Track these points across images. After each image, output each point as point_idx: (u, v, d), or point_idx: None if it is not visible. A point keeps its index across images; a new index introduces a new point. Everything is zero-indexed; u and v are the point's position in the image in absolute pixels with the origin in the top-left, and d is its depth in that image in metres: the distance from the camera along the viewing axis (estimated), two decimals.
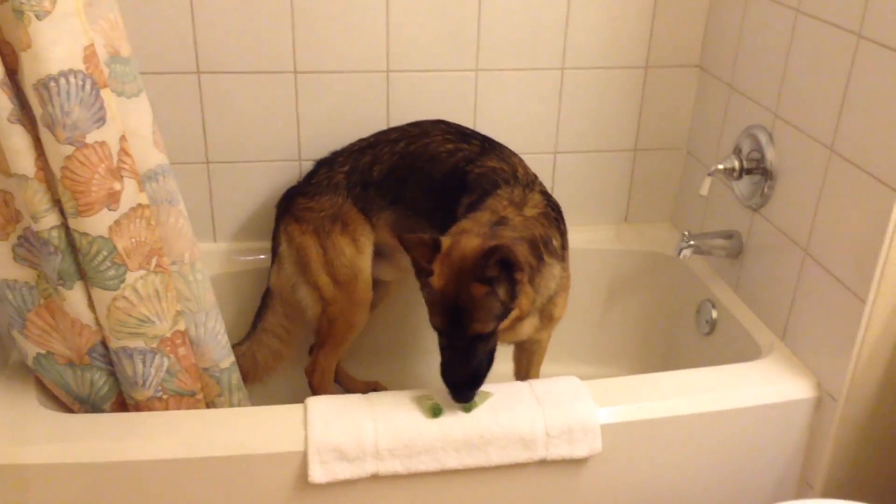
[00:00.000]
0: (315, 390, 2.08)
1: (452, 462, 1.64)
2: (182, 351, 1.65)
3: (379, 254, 2.04)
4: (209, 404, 1.75)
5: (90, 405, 1.66)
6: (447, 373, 1.60)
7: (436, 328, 1.59)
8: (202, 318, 1.66)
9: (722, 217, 2.18)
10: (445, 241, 1.55)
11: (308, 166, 2.16)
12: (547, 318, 1.79)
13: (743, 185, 2.05)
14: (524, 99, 2.25)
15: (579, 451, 1.68)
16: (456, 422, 1.65)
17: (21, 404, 1.63)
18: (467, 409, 1.67)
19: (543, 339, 1.92)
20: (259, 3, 2.02)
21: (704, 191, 2.04)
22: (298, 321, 2.09)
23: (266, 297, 2.11)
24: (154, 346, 1.60)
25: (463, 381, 1.61)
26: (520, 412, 1.67)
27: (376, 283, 2.09)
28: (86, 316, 1.55)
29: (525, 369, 1.99)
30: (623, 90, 2.29)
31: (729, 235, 2.13)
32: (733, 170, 2.01)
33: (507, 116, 2.25)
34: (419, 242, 1.54)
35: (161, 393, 1.65)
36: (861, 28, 1.62)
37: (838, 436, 1.76)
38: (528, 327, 1.76)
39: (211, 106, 2.10)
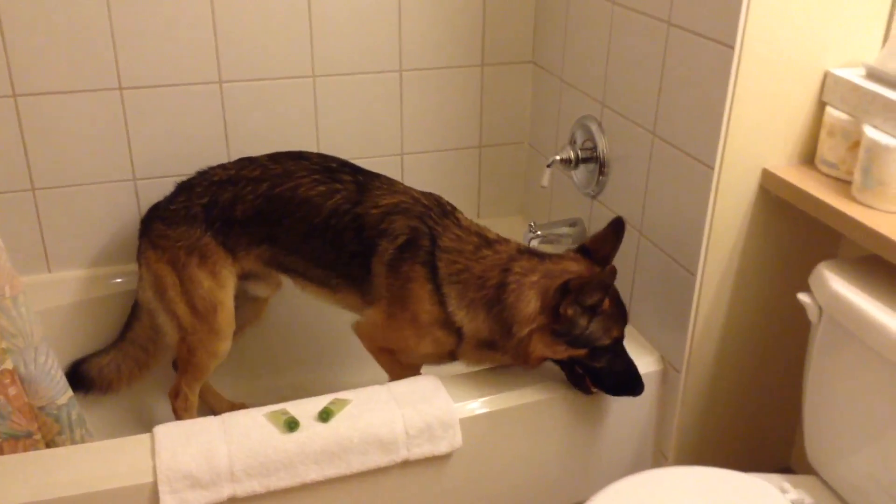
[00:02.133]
0: (179, 415, 2.01)
1: (313, 475, 1.61)
2: (12, 391, 1.54)
3: (249, 276, 1.99)
4: (49, 444, 1.64)
5: None
6: (633, 368, 1.73)
7: (618, 338, 1.71)
8: (31, 354, 1.56)
9: (566, 206, 2.25)
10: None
11: (144, 185, 2.09)
12: None
13: (580, 174, 2.12)
14: (365, 103, 2.24)
15: (441, 448, 1.69)
16: (314, 434, 1.62)
17: None
18: (325, 419, 1.64)
19: None
20: (76, 20, 1.92)
21: (545, 182, 2.10)
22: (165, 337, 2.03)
23: (135, 308, 2.06)
24: None
25: (636, 373, 1.74)
26: (378, 415, 1.66)
27: (251, 300, 2.08)
28: None
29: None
30: (462, 88, 2.32)
31: (573, 223, 2.19)
32: (570, 160, 2.08)
33: (350, 121, 2.24)
34: (556, 293, 1.64)
35: None
36: (670, 15, 1.71)
37: (684, 405, 1.85)
38: None
39: (31, 130, 1.98)
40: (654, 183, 1.83)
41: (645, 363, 1.87)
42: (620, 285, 2.00)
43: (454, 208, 1.85)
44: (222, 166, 1.95)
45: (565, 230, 2.19)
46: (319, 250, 1.86)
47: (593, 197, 2.10)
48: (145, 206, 2.12)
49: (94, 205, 2.11)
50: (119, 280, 2.16)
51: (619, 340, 1.72)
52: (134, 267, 2.02)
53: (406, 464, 1.68)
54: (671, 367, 1.86)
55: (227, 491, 1.56)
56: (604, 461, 1.91)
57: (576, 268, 1.70)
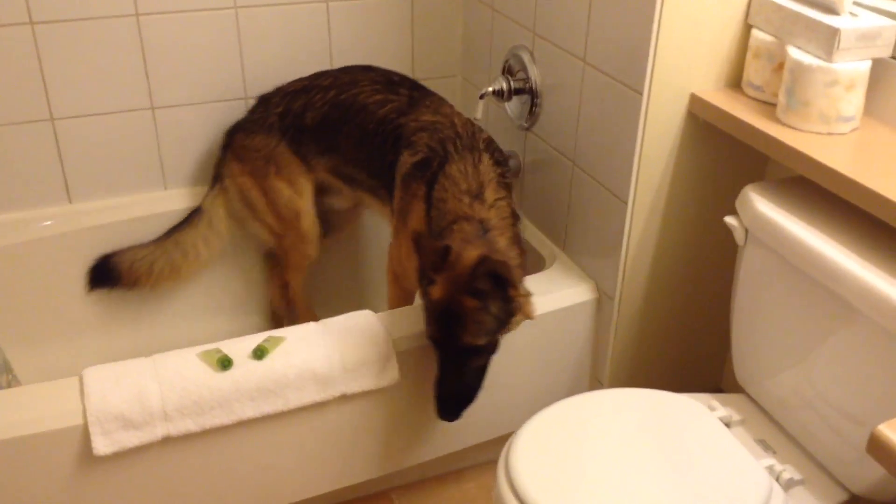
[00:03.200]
0: (287, 302, 2.22)
1: (249, 412, 1.60)
2: None
3: (327, 189, 2.08)
4: None
5: None
6: (438, 386, 1.57)
7: (429, 337, 1.55)
8: None
9: (501, 139, 2.22)
10: (452, 252, 1.50)
11: (162, 114, 2.12)
12: None
13: (513, 106, 2.10)
14: (291, 34, 2.17)
15: (378, 382, 1.69)
16: (248, 371, 1.60)
17: None
18: (259, 357, 1.63)
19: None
20: None
21: (478, 114, 2.08)
22: (214, 249, 2.12)
23: (193, 215, 2.11)
24: None
25: (453, 397, 1.57)
26: (314, 351, 1.66)
27: (332, 212, 2.18)
28: None
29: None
30: (393, 20, 2.27)
31: (508, 156, 2.18)
32: (503, 91, 2.06)
33: (276, 53, 2.17)
34: (432, 250, 1.50)
35: None
36: None
37: (618, 332, 1.88)
38: None
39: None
40: (586, 112, 1.83)
41: (579, 292, 1.90)
42: (556, 215, 2.03)
43: (489, 150, 1.77)
44: (298, 79, 2.05)
45: None
46: (368, 158, 1.93)
47: (527, 129, 2.09)
48: (163, 135, 2.13)
49: (112, 134, 2.08)
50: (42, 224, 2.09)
51: (434, 342, 1.56)
52: (148, 195, 2.17)
53: (344, 398, 1.68)
54: (605, 295, 1.88)
55: (160, 430, 1.54)
56: (540, 390, 1.93)
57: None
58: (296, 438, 1.69)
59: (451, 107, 1.91)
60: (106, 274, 2.08)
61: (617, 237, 1.79)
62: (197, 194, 2.20)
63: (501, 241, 1.60)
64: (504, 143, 2.20)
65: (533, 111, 2.03)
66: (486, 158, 1.74)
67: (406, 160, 1.81)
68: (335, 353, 1.66)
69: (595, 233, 1.89)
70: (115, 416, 1.50)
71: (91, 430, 1.49)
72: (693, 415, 1.52)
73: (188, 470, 1.62)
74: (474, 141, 1.77)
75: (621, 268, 1.81)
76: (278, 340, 1.67)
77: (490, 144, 1.79)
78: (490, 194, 1.67)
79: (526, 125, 2.08)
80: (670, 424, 1.50)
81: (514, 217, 1.70)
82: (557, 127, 1.96)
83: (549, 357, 1.93)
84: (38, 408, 1.51)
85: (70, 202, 2.14)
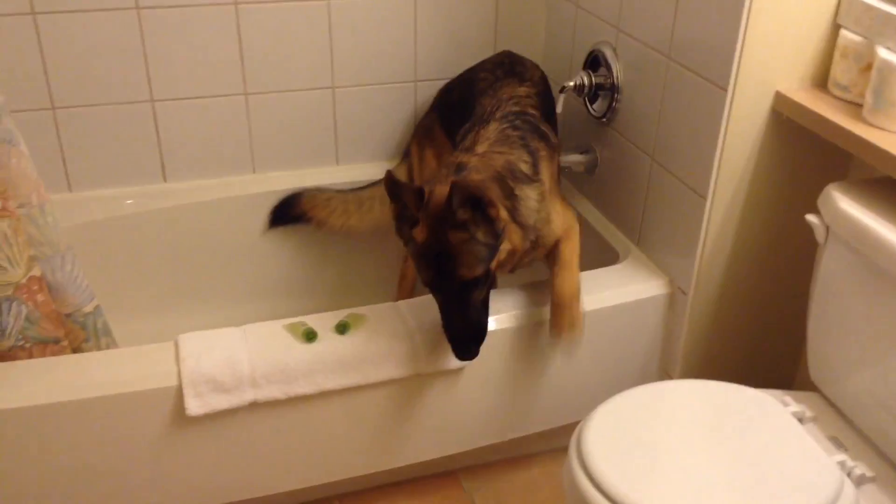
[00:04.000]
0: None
1: (330, 383, 1.68)
2: (40, 297, 1.60)
3: None
4: (75, 351, 1.71)
5: None
6: (448, 328, 1.56)
7: (425, 283, 1.56)
8: (58, 262, 1.61)
9: (578, 134, 2.27)
10: (425, 192, 1.52)
11: (160, 107, 2.13)
12: (545, 233, 1.73)
13: (594, 101, 2.13)
14: (378, 29, 2.25)
15: (452, 364, 1.75)
16: (331, 344, 1.68)
17: None
18: (342, 332, 1.70)
19: (564, 251, 1.78)
20: None
21: (558, 108, 2.11)
22: (385, 213, 2.10)
23: (379, 180, 2.16)
24: (9, 293, 1.54)
25: (465, 335, 1.56)
26: (394, 330, 1.72)
27: None
28: None
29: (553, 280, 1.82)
30: (477, 15, 2.32)
31: (585, 151, 2.22)
32: (583, 86, 2.09)
33: (364, 46, 2.25)
34: (411, 191, 1.50)
35: (23, 342, 1.60)
36: None
37: (690, 327, 1.90)
38: (526, 259, 1.75)
39: (51, 48, 2.00)
40: (668, 107, 1.85)
41: (652, 286, 1.92)
42: (632, 210, 2.05)
43: (503, 119, 1.79)
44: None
45: (577, 157, 2.22)
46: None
47: (606, 124, 2.12)
48: (163, 129, 2.17)
49: (113, 125, 2.13)
50: (129, 202, 2.20)
51: (431, 286, 1.58)
52: (238, 178, 2.29)
53: (419, 376, 1.74)
54: (678, 290, 1.90)
55: (248, 396, 1.62)
56: (609, 380, 1.95)
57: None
58: (371, 413, 1.76)
59: (516, 84, 1.95)
60: (288, 207, 2.25)
61: (694, 233, 1.81)
62: (282, 178, 2.30)
63: (474, 175, 1.59)
64: (582, 138, 2.24)
65: (613, 106, 2.06)
66: (492, 125, 1.77)
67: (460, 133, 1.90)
68: (414, 333, 1.72)
69: (671, 228, 1.91)
70: (207, 380, 1.59)
71: (185, 391, 1.58)
72: (766, 408, 1.53)
73: (271, 435, 1.70)
74: (492, 113, 1.82)
75: (697, 263, 1.83)
76: (360, 318, 1.74)
77: (511, 117, 1.80)
78: (482, 148, 1.70)
79: (605, 120, 2.11)
80: (742, 416, 1.51)
81: (510, 170, 1.66)
82: (637, 122, 1.99)
83: (619, 348, 1.95)
84: (137, 368, 1.61)
85: (165, 181, 2.25)
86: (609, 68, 2.05)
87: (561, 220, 1.79)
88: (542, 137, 1.81)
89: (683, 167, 1.83)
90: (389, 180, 1.53)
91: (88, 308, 1.69)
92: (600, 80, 2.08)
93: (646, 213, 2.00)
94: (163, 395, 1.59)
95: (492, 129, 1.76)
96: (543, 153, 1.77)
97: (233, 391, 1.61)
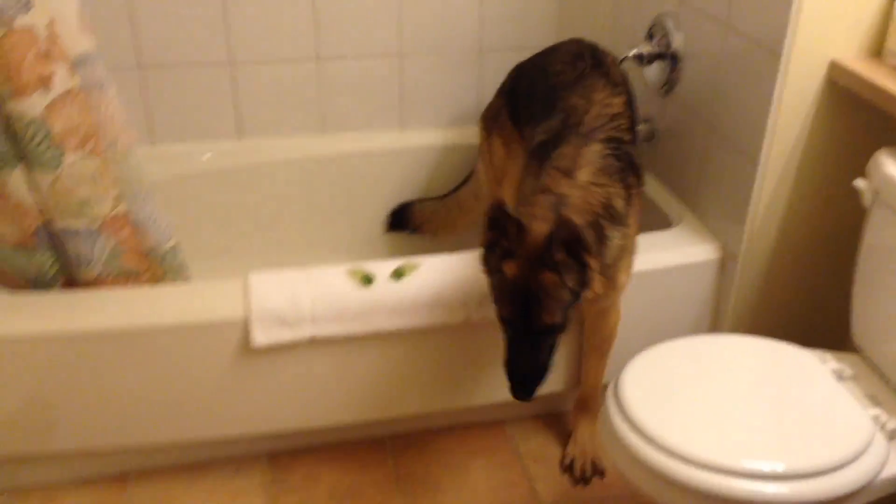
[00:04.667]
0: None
1: (384, 325, 1.78)
2: (124, 232, 1.74)
3: None
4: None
5: (42, 286, 1.75)
6: (511, 367, 1.50)
7: (504, 318, 1.50)
8: (141, 200, 1.75)
9: (638, 103, 2.31)
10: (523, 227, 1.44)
11: (239, 68, 2.26)
12: (610, 284, 1.64)
13: (652, 72, 2.18)
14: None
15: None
16: (387, 289, 1.78)
17: None
18: (397, 277, 1.80)
19: (608, 308, 1.82)
20: None
21: None
22: (482, 201, 2.21)
23: (470, 174, 2.30)
24: (96, 227, 1.69)
25: (526, 377, 1.50)
26: (446, 279, 1.81)
27: None
28: (28, 198, 1.63)
29: (592, 341, 1.92)
30: None
31: (644, 120, 2.26)
32: (643, 56, 2.14)
33: (427, 14, 2.34)
34: (514, 224, 1.42)
35: (107, 273, 1.75)
36: None
37: (740, 291, 1.94)
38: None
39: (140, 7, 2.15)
40: (725, 76, 1.89)
41: (703, 250, 1.97)
42: (686, 177, 2.09)
43: (606, 141, 1.64)
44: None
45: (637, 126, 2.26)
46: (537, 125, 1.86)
47: (665, 95, 2.16)
48: (240, 89, 2.30)
49: (194, 84, 2.28)
50: (206, 156, 2.34)
51: (509, 323, 1.50)
52: (308, 139, 2.40)
53: (468, 324, 1.83)
54: (729, 255, 1.94)
55: (308, 331, 1.74)
56: (658, 342, 2.00)
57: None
58: (422, 356, 1.86)
59: (609, 91, 1.76)
60: (402, 219, 2.43)
61: (746, 199, 1.84)
62: (349, 140, 2.41)
63: (575, 216, 1.46)
64: (640, 107, 2.28)
65: (672, 76, 2.11)
66: (596, 146, 1.62)
67: (538, 135, 1.75)
68: (466, 283, 1.81)
69: (724, 195, 1.94)
70: (272, 315, 1.71)
71: (252, 324, 1.71)
72: (804, 364, 1.57)
73: (328, 370, 1.81)
74: (594, 132, 1.66)
75: (748, 229, 1.86)
76: (415, 266, 1.83)
77: (613, 142, 1.65)
78: (584, 176, 1.56)
79: (664, 90, 2.15)
80: (780, 368, 1.56)
81: (607, 209, 1.55)
82: (695, 91, 2.02)
83: (669, 311, 2.00)
84: (210, 301, 1.75)
85: (239, 139, 2.38)
86: (669, 38, 2.09)
87: (625, 278, 1.71)
88: (636, 172, 1.69)
89: (737, 134, 1.86)
90: (498, 209, 1.43)
91: (167, 245, 1.83)
92: (661, 49, 2.12)
93: (700, 180, 2.04)
94: (232, 327, 1.72)
95: (594, 152, 1.61)
96: (635, 191, 1.67)
97: (294, 326, 1.73)
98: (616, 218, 1.58)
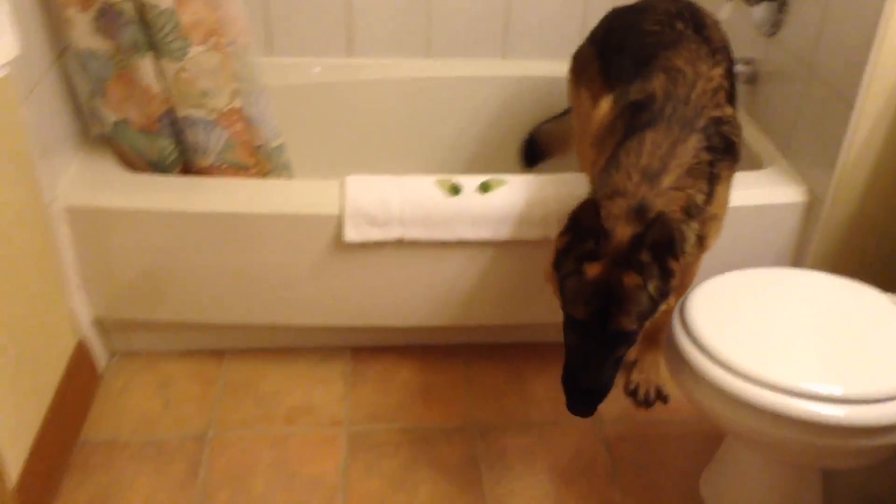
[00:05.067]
0: None
1: (467, 234, 1.88)
2: (238, 126, 1.89)
3: None
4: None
5: (160, 170, 1.93)
6: (573, 378, 1.43)
7: (576, 321, 1.44)
8: (255, 97, 1.89)
9: (741, 44, 2.29)
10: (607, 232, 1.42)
11: None
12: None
13: (759, 12, 2.16)
14: None
15: None
16: (473, 200, 1.87)
17: (103, 166, 1.92)
18: (484, 190, 1.89)
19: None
20: None
21: (723, 15, 2.16)
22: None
23: None
24: (214, 118, 1.84)
25: (589, 390, 1.43)
26: (530, 196, 1.89)
27: None
28: (155, 85, 1.79)
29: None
30: None
31: (746, 62, 2.25)
32: None
33: None
34: (600, 230, 1.40)
35: (220, 163, 1.91)
36: None
37: (823, 235, 1.95)
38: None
39: None
40: (830, 17, 1.87)
41: (790, 192, 1.97)
42: (782, 119, 2.09)
43: (707, 132, 1.59)
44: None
45: (738, 68, 2.25)
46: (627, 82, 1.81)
47: (769, 35, 2.15)
48: (355, 12, 2.41)
49: (312, 2, 2.40)
50: (316, 70, 2.46)
51: (580, 324, 1.45)
52: (414, 61, 2.49)
53: (546, 241, 1.90)
54: (817, 200, 1.94)
55: (396, 233, 1.86)
56: None
57: None
58: (499, 268, 1.95)
59: (710, 62, 1.70)
60: (533, 152, 2.42)
61: (837, 143, 1.84)
62: (452, 65, 2.49)
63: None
64: (743, 49, 2.28)
65: (778, 18, 2.09)
66: (693, 140, 1.56)
67: (632, 93, 1.70)
68: (549, 201, 1.88)
69: (816, 138, 1.94)
70: (364, 214, 1.84)
71: (346, 221, 1.84)
72: (876, 302, 1.58)
73: (410, 271, 1.93)
74: (696, 118, 1.59)
75: (837, 174, 1.86)
76: (502, 182, 1.91)
77: (711, 127, 1.59)
78: (669, 180, 1.51)
79: (769, 32, 2.14)
80: (850, 304, 1.58)
81: (687, 211, 1.51)
82: (799, 33, 2.01)
83: (750, 251, 2.02)
84: (309, 197, 1.88)
85: (348, 57, 2.50)
86: None
87: (714, 239, 1.68)
88: (731, 153, 1.65)
89: (836, 78, 1.85)
90: (591, 210, 1.40)
91: (275, 143, 1.97)
92: None
93: (795, 123, 2.04)
94: (326, 222, 1.85)
95: (690, 149, 1.55)
96: (725, 173, 1.64)
97: (383, 226, 1.85)
98: (693, 213, 1.54)
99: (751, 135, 2.20)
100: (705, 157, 1.56)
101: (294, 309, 1.99)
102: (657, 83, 1.67)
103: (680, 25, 1.80)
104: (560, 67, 2.47)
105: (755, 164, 2.11)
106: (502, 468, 1.83)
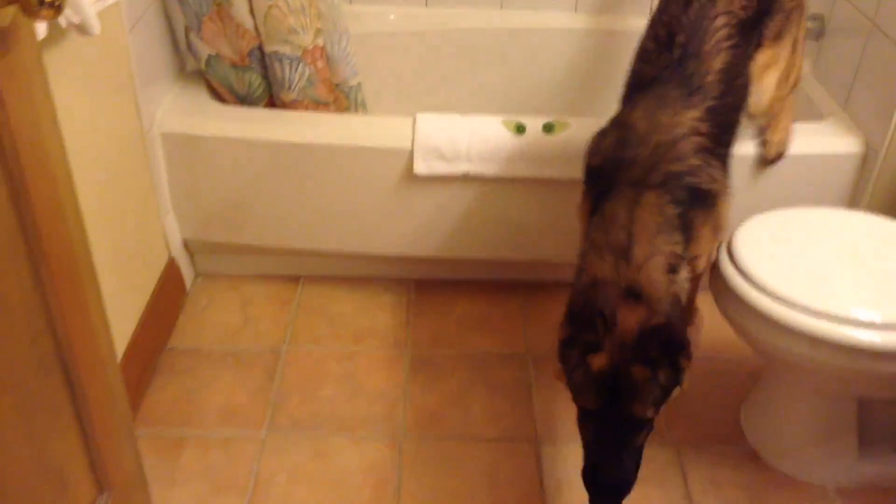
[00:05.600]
0: None
1: (529, 171, 1.99)
2: (320, 64, 2.03)
3: None
4: None
5: (248, 103, 2.09)
6: (593, 472, 1.35)
7: (589, 412, 1.37)
8: (337, 37, 2.03)
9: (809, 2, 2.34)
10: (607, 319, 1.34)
11: None
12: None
13: None
14: None
15: None
16: (537, 139, 1.98)
17: (196, 97, 2.08)
18: (548, 131, 1.99)
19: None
20: None
21: None
22: None
23: None
24: (299, 54, 1.99)
25: (611, 483, 1.34)
26: None
27: None
28: (248, 21, 1.94)
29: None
30: None
31: (814, 18, 2.29)
32: None
33: None
34: (602, 318, 1.33)
35: (302, 97, 2.06)
36: None
37: (877, 185, 2.00)
38: None
39: None
40: None
41: (846, 143, 2.03)
42: (842, 72, 2.13)
43: (668, 185, 1.48)
44: None
45: (808, 24, 2.29)
46: None
47: None
48: None
49: None
50: (392, 17, 2.58)
51: (593, 414, 1.37)
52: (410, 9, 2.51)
53: None
54: (872, 151, 1.99)
55: (463, 167, 1.98)
56: None
57: None
58: (560, 206, 2.05)
59: (690, 110, 1.55)
60: None
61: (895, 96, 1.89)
62: (523, 16, 2.58)
63: (661, 305, 1.36)
64: (812, 6, 2.31)
65: None
66: (650, 198, 1.45)
67: (590, 155, 1.66)
68: None
69: (876, 91, 1.99)
70: (433, 149, 1.96)
71: (415, 154, 1.97)
72: None
73: (475, 205, 2.06)
74: (648, 174, 1.48)
75: (894, 124, 1.91)
76: (566, 124, 2.01)
77: (671, 181, 1.47)
78: (641, 251, 1.40)
79: None
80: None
81: (672, 271, 1.41)
82: None
83: (805, 198, 2.08)
84: (383, 131, 2.02)
85: (426, 6, 2.61)
86: None
87: (708, 245, 1.60)
88: (701, 201, 1.51)
89: None
90: (584, 298, 1.37)
91: (353, 82, 2.11)
92: None
93: (855, 76, 2.08)
94: (398, 155, 1.99)
95: (648, 207, 1.45)
96: (700, 219, 1.51)
97: (451, 161, 1.97)
98: (678, 267, 1.44)
99: (812, 88, 2.25)
100: (671, 210, 1.45)
101: (365, 238, 2.13)
102: (609, 141, 1.59)
103: (666, 57, 1.61)
104: (629, 22, 2.55)
105: (815, 116, 2.16)
106: (552, 392, 1.95)
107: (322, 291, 2.23)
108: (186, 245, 2.18)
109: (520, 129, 1.99)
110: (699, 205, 1.51)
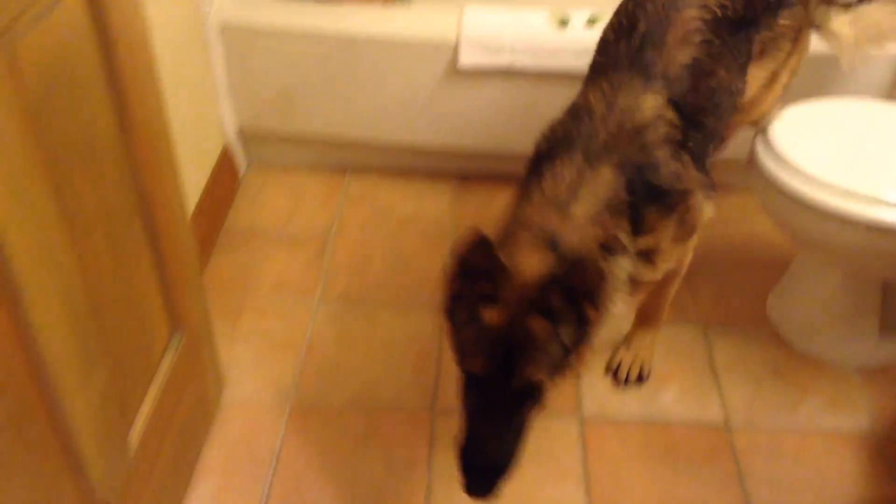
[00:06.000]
0: None
1: (573, 63, 2.04)
2: None
3: None
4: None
5: None
6: (468, 447, 1.18)
7: (473, 376, 1.20)
8: None
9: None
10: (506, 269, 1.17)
11: None
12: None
13: None
14: None
15: None
16: (580, 33, 2.03)
17: None
18: (591, 24, 2.04)
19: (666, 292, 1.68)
20: None
21: None
22: None
23: None
24: None
25: (487, 461, 1.17)
26: None
27: None
28: None
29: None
30: None
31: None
32: None
33: None
34: (501, 269, 1.17)
35: None
36: None
37: None
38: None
39: None
40: None
41: None
42: None
43: (624, 167, 1.34)
44: None
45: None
46: None
47: None
48: None
49: None
50: None
51: (478, 380, 1.20)
52: None
53: None
54: None
55: (506, 59, 2.05)
56: None
57: None
58: None
59: (647, 94, 1.38)
60: None
61: None
62: None
63: (578, 264, 1.18)
64: None
65: None
66: (606, 172, 1.31)
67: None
68: None
69: None
70: (478, 41, 2.03)
71: (460, 45, 2.03)
72: None
73: (518, 98, 2.13)
74: (606, 152, 1.33)
75: None
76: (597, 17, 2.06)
77: (630, 169, 1.33)
78: (581, 209, 1.28)
79: None
80: None
81: (607, 250, 1.29)
82: None
83: (842, 93, 2.12)
84: (430, 23, 2.09)
85: None
86: None
87: (674, 261, 1.50)
88: (661, 200, 1.37)
89: None
90: (481, 246, 1.15)
91: None
92: None
93: None
94: (444, 47, 2.06)
95: (603, 180, 1.31)
96: (663, 223, 1.39)
97: (495, 53, 2.04)
98: (618, 250, 1.32)
99: None
100: (623, 195, 1.32)
101: (410, 128, 2.22)
102: (561, 127, 1.44)
103: (624, 45, 1.47)
104: None
105: None
106: None
107: (368, 183, 2.34)
108: (241, 133, 2.28)
109: (563, 22, 2.04)
110: (656, 202, 1.36)
